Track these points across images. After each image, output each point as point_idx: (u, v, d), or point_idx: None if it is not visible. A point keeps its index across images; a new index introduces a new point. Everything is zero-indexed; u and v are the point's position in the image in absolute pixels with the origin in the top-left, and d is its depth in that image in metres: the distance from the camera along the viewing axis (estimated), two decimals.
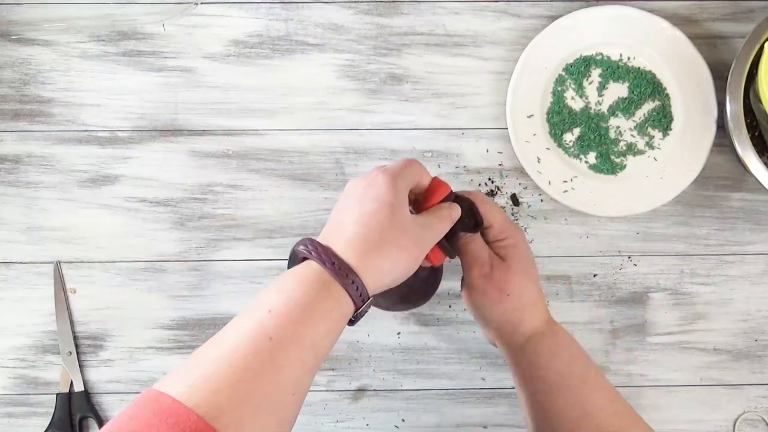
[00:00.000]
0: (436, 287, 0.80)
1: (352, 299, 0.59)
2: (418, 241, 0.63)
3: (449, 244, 0.71)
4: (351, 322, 0.62)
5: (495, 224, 0.74)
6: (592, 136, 0.86)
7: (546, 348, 0.72)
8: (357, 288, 0.59)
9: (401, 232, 0.61)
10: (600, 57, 0.86)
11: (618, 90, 0.86)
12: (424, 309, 0.87)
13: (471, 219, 0.73)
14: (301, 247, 0.61)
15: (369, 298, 0.61)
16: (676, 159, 0.85)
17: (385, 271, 0.61)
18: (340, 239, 0.60)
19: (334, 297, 0.59)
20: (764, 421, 0.88)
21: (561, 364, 0.71)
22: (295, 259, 0.62)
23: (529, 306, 0.73)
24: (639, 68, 0.86)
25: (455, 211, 0.69)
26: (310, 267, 0.59)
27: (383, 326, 0.87)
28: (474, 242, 0.74)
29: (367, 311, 0.62)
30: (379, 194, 0.62)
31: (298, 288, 0.58)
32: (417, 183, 0.67)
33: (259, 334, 0.56)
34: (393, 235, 0.61)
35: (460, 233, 0.73)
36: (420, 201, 0.70)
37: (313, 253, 0.60)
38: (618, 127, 0.86)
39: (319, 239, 0.62)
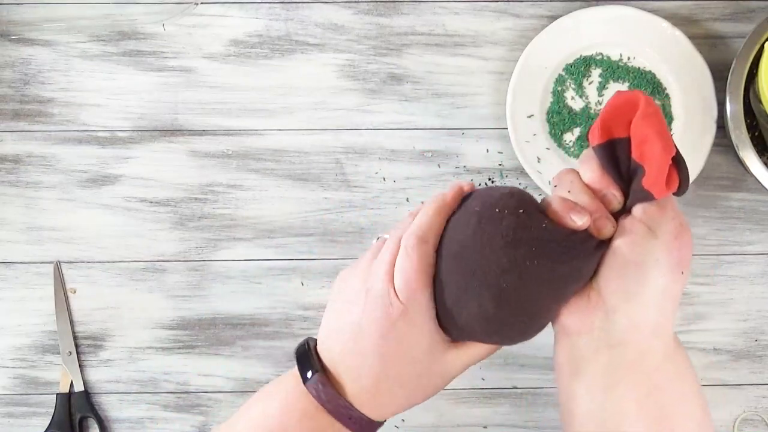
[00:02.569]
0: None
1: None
2: (442, 378, 0.54)
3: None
4: None
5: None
6: None
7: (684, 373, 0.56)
8: (360, 426, 0.55)
9: (417, 378, 0.53)
10: (600, 57, 0.86)
11: (618, 90, 0.86)
12: None
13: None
14: (310, 387, 0.55)
15: (380, 424, 0.56)
16: None
17: (395, 408, 0.55)
18: (345, 374, 0.53)
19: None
20: (764, 421, 0.88)
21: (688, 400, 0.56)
22: (301, 359, 0.56)
23: (671, 314, 0.55)
24: (639, 68, 0.86)
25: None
26: (313, 412, 0.54)
27: None
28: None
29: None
30: (391, 324, 0.52)
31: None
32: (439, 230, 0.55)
33: None
34: (405, 381, 0.53)
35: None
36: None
37: (326, 403, 0.53)
38: None
39: (326, 348, 0.55)
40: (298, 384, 0.56)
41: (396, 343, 0.52)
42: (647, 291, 0.53)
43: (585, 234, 0.53)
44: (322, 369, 0.56)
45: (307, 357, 0.56)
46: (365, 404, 0.54)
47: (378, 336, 0.52)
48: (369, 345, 0.53)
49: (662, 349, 0.54)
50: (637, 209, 0.55)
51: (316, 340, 0.59)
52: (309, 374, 0.55)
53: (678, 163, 0.55)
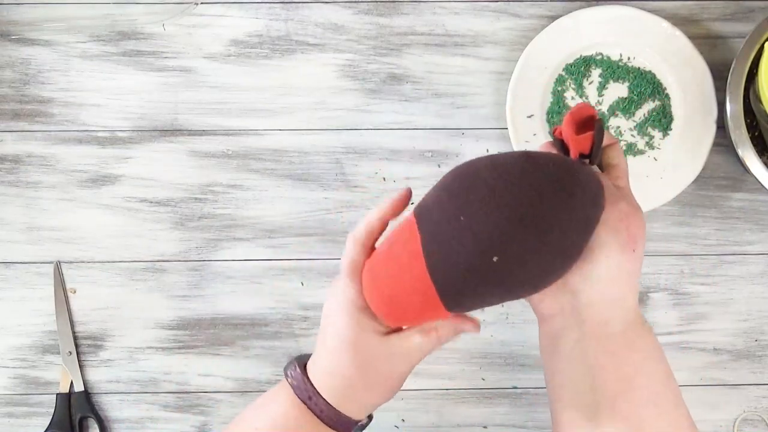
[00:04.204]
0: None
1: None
2: (391, 372, 0.60)
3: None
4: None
5: (621, 172, 0.63)
6: None
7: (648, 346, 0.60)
8: (344, 424, 0.60)
9: (368, 371, 0.59)
10: (600, 57, 0.86)
11: (618, 90, 0.86)
12: None
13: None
14: (302, 393, 0.60)
15: (363, 423, 0.62)
16: (676, 159, 0.85)
17: (368, 404, 0.61)
18: (321, 374, 0.60)
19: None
20: (764, 421, 0.88)
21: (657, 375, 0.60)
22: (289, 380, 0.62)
23: (633, 287, 0.60)
24: (639, 68, 0.86)
25: (444, 332, 0.60)
26: (296, 410, 0.60)
27: None
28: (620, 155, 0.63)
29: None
30: (338, 330, 0.59)
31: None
32: (378, 233, 0.61)
33: None
34: (362, 377, 0.59)
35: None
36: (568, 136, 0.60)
37: (312, 399, 0.59)
38: (618, 127, 0.86)
39: (312, 367, 0.61)
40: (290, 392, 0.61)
41: (354, 351, 0.58)
42: (600, 270, 0.58)
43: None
44: (303, 371, 0.61)
45: (307, 393, 0.61)
46: (342, 404, 0.60)
47: (346, 340, 0.59)
48: (337, 341, 0.59)
49: (622, 319, 0.59)
50: None
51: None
52: (291, 374, 0.61)
53: (596, 131, 0.59)
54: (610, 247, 0.58)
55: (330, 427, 0.60)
